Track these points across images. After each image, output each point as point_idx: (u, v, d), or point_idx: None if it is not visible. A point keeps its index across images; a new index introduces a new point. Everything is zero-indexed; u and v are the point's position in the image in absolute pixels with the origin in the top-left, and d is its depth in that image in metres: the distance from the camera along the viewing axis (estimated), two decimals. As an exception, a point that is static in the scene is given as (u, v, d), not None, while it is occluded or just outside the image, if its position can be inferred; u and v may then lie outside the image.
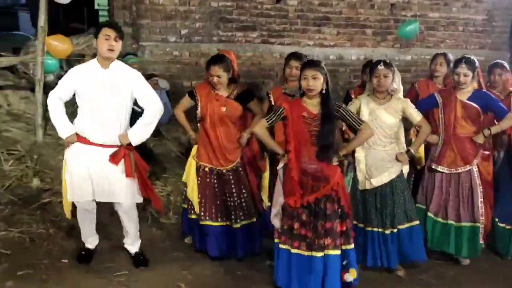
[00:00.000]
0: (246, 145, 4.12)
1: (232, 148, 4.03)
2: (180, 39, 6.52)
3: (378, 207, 3.85)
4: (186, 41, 6.54)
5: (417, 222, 3.89)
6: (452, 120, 4.02)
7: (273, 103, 4.29)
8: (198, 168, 4.09)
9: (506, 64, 4.58)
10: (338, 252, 3.43)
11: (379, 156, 3.80)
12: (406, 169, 3.98)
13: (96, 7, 7.83)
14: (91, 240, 4.02)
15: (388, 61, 3.84)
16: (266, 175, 4.26)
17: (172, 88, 6.04)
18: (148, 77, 5.92)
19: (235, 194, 4.04)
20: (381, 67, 3.75)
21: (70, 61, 6.96)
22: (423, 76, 7.42)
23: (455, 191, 4.07)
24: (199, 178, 4.07)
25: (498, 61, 4.63)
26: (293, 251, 3.48)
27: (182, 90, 6.12)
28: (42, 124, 5.25)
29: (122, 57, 6.05)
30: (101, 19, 7.81)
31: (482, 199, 4.04)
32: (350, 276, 3.49)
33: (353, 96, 4.47)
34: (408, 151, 3.83)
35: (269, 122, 3.55)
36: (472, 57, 4.06)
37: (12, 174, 5.01)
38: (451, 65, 4.36)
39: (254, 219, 4.10)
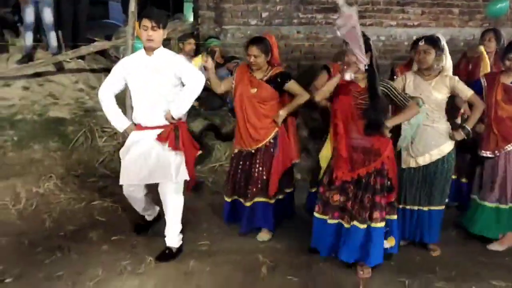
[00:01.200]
0: (284, 124, 4.12)
1: (263, 127, 4.05)
2: (260, 22, 6.64)
3: (418, 185, 3.83)
4: (267, 24, 6.64)
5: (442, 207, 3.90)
6: (493, 102, 3.94)
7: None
8: (235, 152, 4.23)
9: None
10: (383, 224, 3.48)
11: (426, 133, 3.74)
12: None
13: (181, -7, 8.18)
14: (147, 214, 4.20)
15: (436, 37, 3.74)
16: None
17: (253, 70, 6.17)
18: (230, 59, 6.12)
19: (258, 172, 4.07)
20: (421, 43, 3.70)
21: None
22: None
23: (504, 173, 3.98)
24: (233, 159, 4.21)
25: None
26: (331, 221, 3.58)
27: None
28: (131, 103, 5.58)
29: (204, 40, 6.31)
30: (186, 4, 8.15)
31: None
32: (388, 243, 3.54)
33: (398, 73, 4.42)
34: (464, 128, 3.76)
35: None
36: None
37: (105, 150, 5.43)
38: (502, 41, 4.20)
39: (272, 201, 4.13)
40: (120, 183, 3.81)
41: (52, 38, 6.38)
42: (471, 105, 3.90)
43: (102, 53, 7.31)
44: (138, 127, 3.78)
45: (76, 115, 5.73)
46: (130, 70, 3.74)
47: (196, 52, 6.26)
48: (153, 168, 3.73)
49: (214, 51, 5.96)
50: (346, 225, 3.55)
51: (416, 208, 3.90)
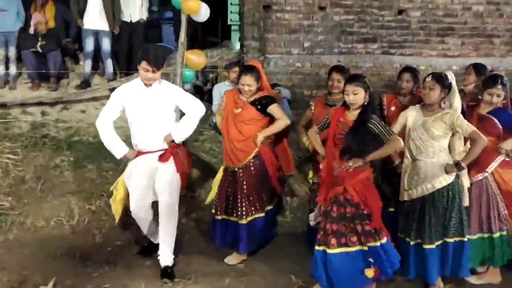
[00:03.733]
0: (268, 146, 4.29)
1: (244, 148, 4.17)
2: (302, 52, 6.88)
3: (416, 218, 3.80)
4: (308, 53, 6.87)
5: (459, 239, 3.78)
6: None
7: (313, 112, 4.44)
8: (224, 169, 4.38)
9: None
10: (339, 250, 3.52)
11: (421, 167, 3.75)
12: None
13: (229, 22, 8.55)
14: (154, 237, 4.31)
15: (444, 74, 3.77)
16: None
17: (293, 97, 6.39)
18: (272, 86, 6.39)
19: (244, 192, 4.19)
20: (428, 79, 3.74)
21: (204, 72, 7.74)
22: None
23: (476, 202, 3.95)
24: (223, 177, 4.35)
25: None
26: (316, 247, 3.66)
27: (303, 99, 6.50)
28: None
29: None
30: (233, 34, 8.52)
31: (503, 208, 3.92)
32: (368, 273, 3.55)
33: (384, 101, 4.45)
34: (458, 164, 3.69)
35: (318, 128, 3.85)
36: (505, 77, 3.92)
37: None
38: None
39: (262, 214, 4.26)
40: (131, 208, 4.04)
41: (109, 65, 6.88)
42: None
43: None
44: (138, 153, 4.00)
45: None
46: (128, 100, 3.93)
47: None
48: (156, 188, 3.98)
49: None
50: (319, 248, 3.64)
51: (417, 242, 3.80)
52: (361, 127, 3.54)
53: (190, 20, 5.84)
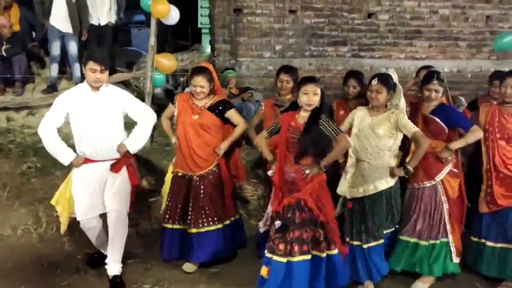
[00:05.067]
0: (226, 155, 4.22)
1: (204, 156, 4.09)
2: (274, 55, 6.90)
3: (357, 219, 3.81)
4: (280, 56, 6.89)
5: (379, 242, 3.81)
6: None
7: (263, 113, 4.43)
8: (174, 174, 4.24)
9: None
10: (304, 257, 3.45)
11: (366, 167, 3.76)
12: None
13: (199, 25, 8.53)
14: (104, 247, 4.10)
15: (387, 75, 3.77)
16: None
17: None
18: (244, 90, 6.39)
19: (200, 200, 4.09)
20: (374, 82, 3.74)
21: (175, 76, 7.69)
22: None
23: (420, 207, 3.93)
24: (173, 183, 4.22)
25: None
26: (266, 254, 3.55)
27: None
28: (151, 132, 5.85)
29: (221, 71, 6.60)
30: (204, 37, 8.50)
31: (448, 218, 3.90)
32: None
33: (334, 106, 4.48)
34: (404, 167, 3.73)
35: (268, 133, 3.77)
36: (442, 72, 3.97)
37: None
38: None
39: (219, 226, 4.15)
40: (78, 219, 3.88)
41: (76, 69, 6.71)
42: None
43: (124, 82, 7.63)
44: (86, 160, 3.82)
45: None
46: (74, 106, 3.75)
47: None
48: (105, 197, 3.83)
49: (228, 81, 6.24)
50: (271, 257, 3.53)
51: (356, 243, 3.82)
52: (313, 128, 3.48)
53: (160, 22, 5.79)
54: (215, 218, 4.14)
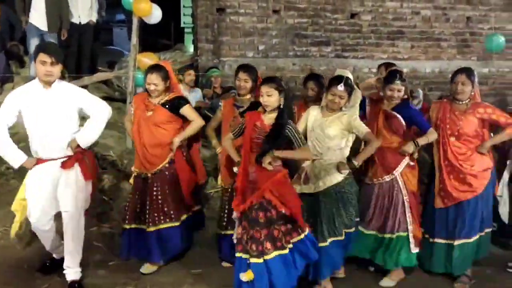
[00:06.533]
0: (180, 149, 4.14)
1: (158, 153, 4.05)
2: (257, 55, 6.90)
3: (310, 216, 3.78)
4: (263, 56, 6.90)
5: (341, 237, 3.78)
6: (375, 129, 3.94)
7: (221, 113, 4.37)
8: (134, 174, 4.22)
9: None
10: (276, 253, 3.42)
11: (317, 166, 3.77)
12: None
13: (182, 25, 8.48)
14: (56, 252, 4.00)
15: (347, 78, 3.72)
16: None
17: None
18: (227, 89, 6.36)
19: (156, 198, 4.06)
20: (341, 88, 3.69)
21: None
22: (501, 89, 7.36)
23: (380, 202, 4.00)
24: (133, 184, 4.20)
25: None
26: (237, 254, 3.53)
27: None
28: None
29: (205, 71, 6.57)
30: (187, 36, 8.44)
31: (408, 209, 3.96)
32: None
33: (295, 108, 4.45)
34: (351, 163, 3.75)
35: (234, 134, 3.70)
36: (403, 71, 4.05)
37: (104, 176, 5.60)
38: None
39: (177, 223, 4.11)
40: (31, 221, 3.74)
41: (56, 68, 6.62)
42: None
43: (105, 81, 7.56)
44: (39, 161, 3.67)
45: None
46: (25, 103, 3.60)
47: (196, 83, 6.52)
48: (59, 198, 3.70)
49: (212, 80, 6.21)
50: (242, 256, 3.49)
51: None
52: (279, 132, 3.45)
53: (142, 21, 5.73)
54: (173, 216, 4.10)
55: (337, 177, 3.75)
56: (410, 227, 3.98)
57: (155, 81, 4.00)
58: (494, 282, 4.19)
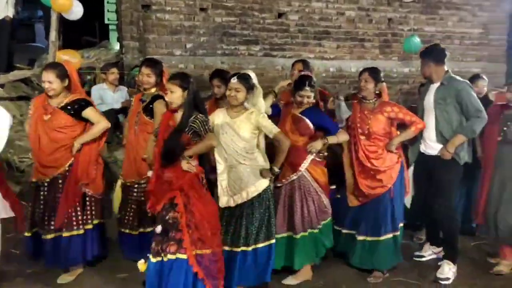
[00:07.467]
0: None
1: (56, 158, 3.86)
2: (185, 53, 6.81)
3: (234, 224, 3.70)
4: (191, 54, 6.82)
5: (268, 242, 3.73)
6: (284, 131, 3.89)
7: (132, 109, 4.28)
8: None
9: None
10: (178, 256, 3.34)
11: (242, 169, 3.67)
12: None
13: (106, 21, 8.20)
14: None
15: (247, 74, 3.70)
16: None
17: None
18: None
19: (51, 205, 3.88)
20: (234, 81, 3.64)
21: (80, 74, 7.32)
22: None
23: (288, 201, 3.99)
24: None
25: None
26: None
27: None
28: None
29: (130, 69, 6.38)
30: (112, 33, 8.18)
31: (324, 196, 4.01)
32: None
33: (207, 108, 4.27)
34: (271, 168, 3.72)
35: (154, 135, 3.59)
36: (313, 77, 4.05)
37: (23, 180, 5.33)
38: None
39: (81, 231, 3.94)
40: None
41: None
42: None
43: (24, 80, 7.17)
44: None
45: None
46: None
47: (120, 82, 6.33)
48: None
49: (135, 79, 6.04)
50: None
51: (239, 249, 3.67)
52: (184, 128, 3.35)
53: (63, 17, 5.48)
54: (74, 222, 3.91)
55: (262, 184, 3.69)
56: (313, 228, 3.98)
57: (49, 79, 3.74)
58: (405, 273, 4.29)
